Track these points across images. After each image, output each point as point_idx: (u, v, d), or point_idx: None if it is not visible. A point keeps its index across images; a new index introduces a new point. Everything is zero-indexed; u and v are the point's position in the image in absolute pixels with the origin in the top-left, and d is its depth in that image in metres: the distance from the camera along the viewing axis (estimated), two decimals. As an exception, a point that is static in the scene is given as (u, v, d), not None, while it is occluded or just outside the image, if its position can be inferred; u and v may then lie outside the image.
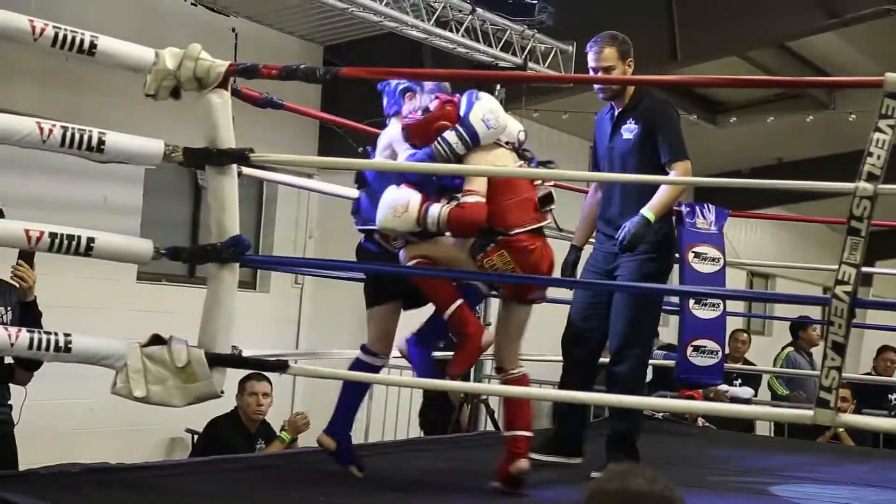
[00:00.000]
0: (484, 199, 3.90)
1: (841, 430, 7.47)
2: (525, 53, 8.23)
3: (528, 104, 8.90)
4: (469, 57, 8.03)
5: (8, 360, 4.31)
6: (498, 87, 8.35)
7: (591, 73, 4.73)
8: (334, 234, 8.01)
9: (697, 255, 6.95)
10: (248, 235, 4.06)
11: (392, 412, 7.58)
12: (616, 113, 4.77)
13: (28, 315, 4.29)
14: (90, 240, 3.49)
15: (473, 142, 3.95)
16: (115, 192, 7.49)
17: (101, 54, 3.53)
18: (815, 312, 9.29)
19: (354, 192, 4.79)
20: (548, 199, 4.15)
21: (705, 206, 7.15)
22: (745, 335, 9.44)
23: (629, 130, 4.69)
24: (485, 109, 3.95)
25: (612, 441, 4.68)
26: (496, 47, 8.06)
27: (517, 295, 4.11)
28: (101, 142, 3.49)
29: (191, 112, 3.74)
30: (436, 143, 3.94)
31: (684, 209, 6.98)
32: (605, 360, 4.88)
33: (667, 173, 4.59)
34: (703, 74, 9.12)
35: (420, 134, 3.98)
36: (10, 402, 4.53)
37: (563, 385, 4.79)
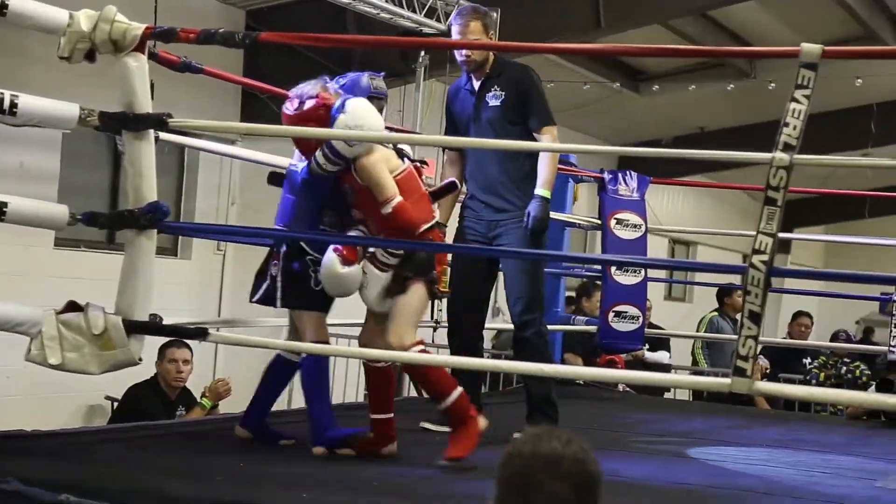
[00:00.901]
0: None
1: (757, 394, 7.61)
2: (449, 20, 8.20)
3: (451, 71, 8.88)
4: (393, 23, 7.99)
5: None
6: (422, 53, 8.35)
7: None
8: (256, 200, 7.94)
9: (619, 221, 7.04)
10: (170, 202, 4.03)
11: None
12: (477, 83, 4.81)
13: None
14: (2, 204, 3.43)
15: (339, 159, 3.90)
16: (32, 157, 7.35)
17: (13, 14, 3.46)
18: (735, 280, 9.43)
19: (277, 160, 4.76)
20: (436, 195, 4.26)
21: (627, 173, 7.23)
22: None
23: (495, 97, 4.75)
24: (348, 123, 3.84)
25: (533, 405, 4.76)
26: (420, 13, 8.03)
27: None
28: (13, 104, 3.42)
29: (110, 76, 3.68)
30: (310, 163, 3.96)
31: (606, 176, 7.05)
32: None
33: (534, 139, 4.69)
34: (626, 42, 9.16)
35: (292, 122, 3.94)
36: None
37: (456, 352, 4.83)
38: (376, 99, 4.17)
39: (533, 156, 4.75)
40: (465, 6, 4.85)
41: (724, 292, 9.34)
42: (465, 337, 4.87)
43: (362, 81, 4.19)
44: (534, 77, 4.83)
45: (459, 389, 4.01)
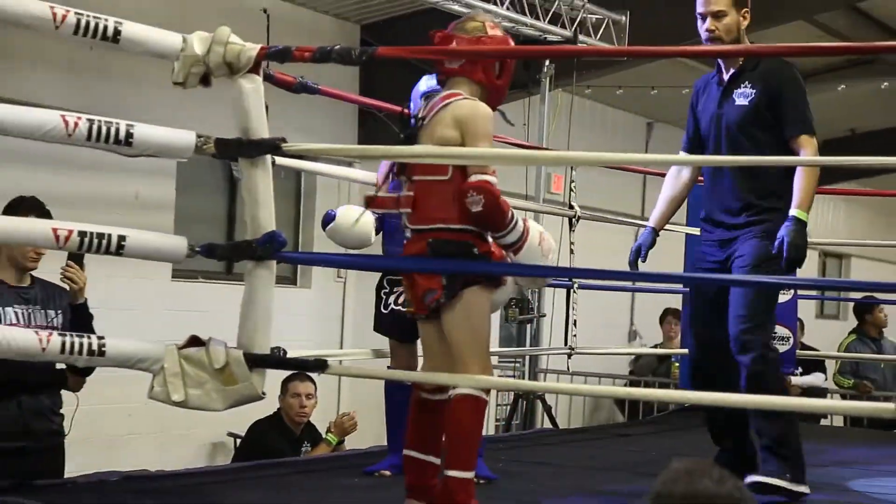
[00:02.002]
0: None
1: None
2: (575, 25, 8.18)
3: (579, 80, 8.86)
4: (515, 31, 7.99)
5: (60, 365, 4.34)
6: (547, 62, 8.33)
7: (699, 19, 4.31)
8: (377, 224, 8.01)
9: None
10: (287, 229, 4.08)
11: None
12: (727, 76, 4.34)
13: (79, 318, 4.37)
14: (121, 238, 3.50)
15: None
16: (147, 187, 7.55)
17: (126, 41, 3.53)
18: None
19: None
20: None
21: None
22: None
23: (744, 95, 4.25)
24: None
25: (764, 449, 4.21)
26: (544, 20, 8.02)
27: None
28: (129, 134, 3.50)
29: (223, 100, 3.75)
30: None
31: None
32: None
33: (789, 150, 4.16)
34: (770, 41, 9.01)
35: None
36: (61, 411, 4.53)
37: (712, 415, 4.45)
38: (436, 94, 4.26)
39: (788, 168, 4.20)
40: None
41: (863, 308, 9.07)
42: (710, 384, 4.19)
43: (423, 83, 4.32)
44: (796, 73, 4.33)
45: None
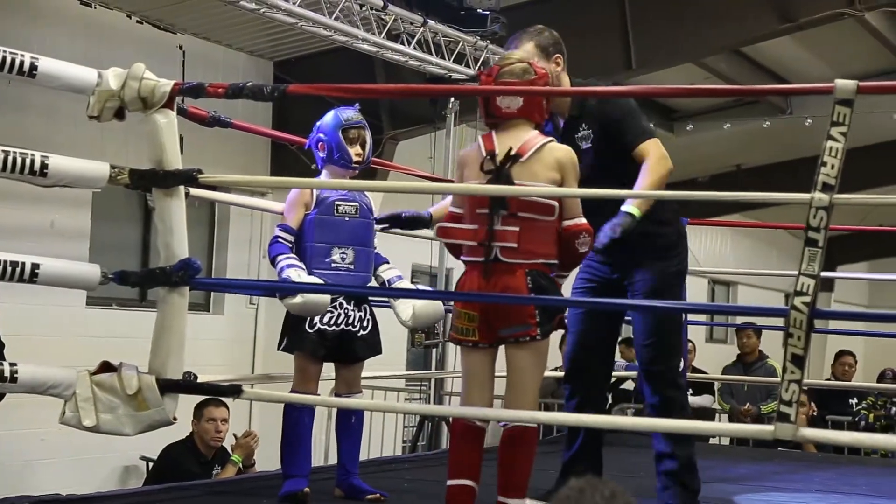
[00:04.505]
0: None
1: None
2: (479, 65, 8.26)
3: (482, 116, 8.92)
4: (422, 70, 8.05)
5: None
6: (452, 99, 8.39)
7: None
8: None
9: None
10: (201, 257, 4.04)
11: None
12: (562, 122, 4.24)
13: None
14: (35, 266, 3.44)
15: None
16: (63, 216, 7.43)
17: (43, 76, 3.49)
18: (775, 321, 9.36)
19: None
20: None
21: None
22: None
23: (585, 138, 4.17)
24: None
25: (671, 473, 4.24)
26: (449, 59, 8.08)
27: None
28: (43, 165, 3.45)
29: (138, 134, 3.72)
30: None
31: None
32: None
33: (635, 161, 4.07)
34: (658, 83, 9.19)
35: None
36: None
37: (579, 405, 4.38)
38: (353, 129, 4.27)
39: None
40: (517, 32, 4.31)
41: (736, 334, 9.32)
42: (584, 382, 4.34)
43: (333, 117, 4.28)
44: (619, 100, 4.23)
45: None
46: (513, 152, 3.60)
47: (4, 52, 3.40)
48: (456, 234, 3.67)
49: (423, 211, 4.24)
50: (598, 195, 3.83)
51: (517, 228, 3.54)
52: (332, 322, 4.17)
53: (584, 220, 3.63)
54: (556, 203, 3.58)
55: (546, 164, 3.60)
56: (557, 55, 4.22)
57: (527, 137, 3.65)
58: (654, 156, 4.06)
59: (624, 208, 3.86)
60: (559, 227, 3.61)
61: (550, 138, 3.73)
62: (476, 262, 3.60)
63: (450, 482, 3.58)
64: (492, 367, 3.67)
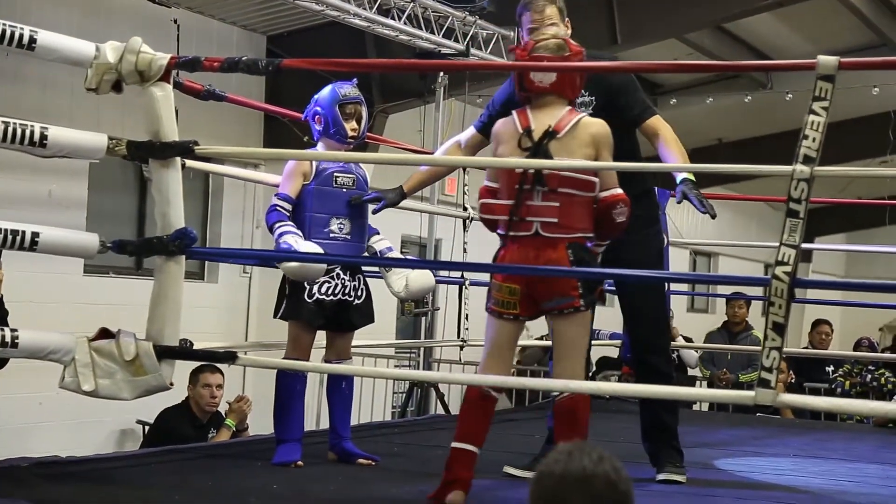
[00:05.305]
0: None
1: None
2: (467, 40, 8.24)
3: (471, 90, 8.92)
4: (411, 44, 8.03)
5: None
6: (441, 74, 8.37)
7: (526, 34, 4.15)
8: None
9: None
10: (195, 227, 4.04)
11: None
12: None
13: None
14: (35, 234, 3.45)
15: None
16: (60, 186, 7.42)
17: (42, 48, 3.49)
18: (758, 290, 9.40)
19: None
20: None
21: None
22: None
23: (585, 106, 4.08)
24: None
25: (664, 439, 4.31)
26: (438, 34, 8.06)
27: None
28: (43, 136, 3.45)
29: (136, 106, 3.71)
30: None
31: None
32: None
33: (629, 133, 4.16)
34: (642, 59, 9.17)
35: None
36: None
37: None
38: (350, 104, 4.25)
39: (634, 155, 4.20)
40: None
41: (726, 303, 9.36)
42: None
43: (331, 92, 4.26)
44: (625, 74, 4.28)
45: None
46: (551, 129, 3.61)
47: (4, 24, 3.39)
48: (496, 210, 3.68)
49: (395, 187, 4.29)
50: (630, 168, 3.85)
51: (557, 204, 3.56)
52: (329, 292, 4.18)
53: (620, 191, 3.64)
54: (595, 178, 3.61)
55: (582, 141, 3.63)
56: (567, 19, 4.23)
57: (561, 114, 3.66)
58: (670, 130, 4.12)
59: (682, 176, 3.92)
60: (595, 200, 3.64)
61: (584, 113, 3.74)
62: (516, 237, 3.61)
63: (454, 444, 3.59)
64: (517, 339, 3.71)
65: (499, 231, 3.68)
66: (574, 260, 3.54)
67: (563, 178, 3.56)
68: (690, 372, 9.09)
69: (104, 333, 3.58)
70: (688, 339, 9.22)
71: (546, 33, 3.84)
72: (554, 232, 3.56)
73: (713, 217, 3.90)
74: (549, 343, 4.20)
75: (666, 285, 4.55)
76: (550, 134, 3.61)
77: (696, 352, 9.03)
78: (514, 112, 3.75)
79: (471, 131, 4.34)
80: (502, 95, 4.31)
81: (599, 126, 3.68)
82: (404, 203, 4.50)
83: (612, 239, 3.73)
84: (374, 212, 4.37)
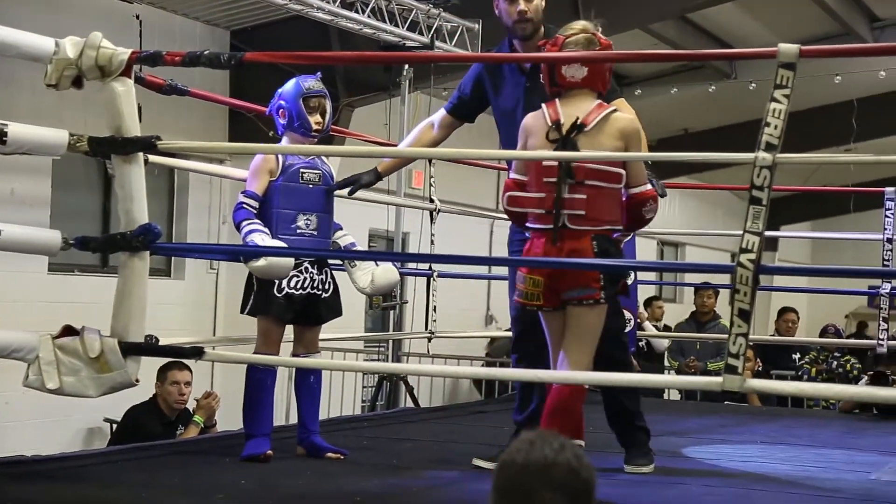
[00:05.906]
0: None
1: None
2: (432, 32, 8.22)
3: (436, 83, 8.91)
4: (376, 37, 8.00)
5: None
6: (406, 66, 8.36)
7: (506, 3, 4.14)
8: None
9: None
10: (161, 223, 4.02)
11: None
12: (529, 65, 4.11)
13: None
14: (-5, 233, 3.42)
15: None
16: (23, 183, 7.35)
17: (0, 45, 3.46)
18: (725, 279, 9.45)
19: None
20: None
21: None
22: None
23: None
24: None
25: (629, 423, 4.31)
26: (403, 27, 8.04)
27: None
28: (2, 133, 3.42)
29: (98, 102, 3.68)
30: None
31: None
32: None
33: None
34: (607, 49, 9.18)
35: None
36: None
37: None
38: (314, 97, 4.24)
39: None
40: None
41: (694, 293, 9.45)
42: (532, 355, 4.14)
43: (294, 85, 4.24)
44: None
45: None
46: (579, 122, 3.64)
47: (-39, 20, 3.35)
48: (523, 203, 3.71)
49: (370, 170, 4.35)
50: (640, 157, 3.85)
51: (585, 196, 3.59)
52: (298, 286, 4.18)
53: (649, 187, 3.73)
54: (623, 171, 3.65)
55: (610, 134, 3.67)
56: None
57: (590, 107, 3.70)
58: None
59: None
60: (624, 195, 3.70)
61: (613, 107, 3.76)
62: (543, 230, 3.63)
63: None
64: (562, 325, 3.72)
65: (528, 224, 3.71)
66: (598, 252, 3.59)
67: (589, 171, 3.60)
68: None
69: (68, 331, 3.56)
70: (657, 325, 9.30)
71: (574, 27, 3.84)
72: (581, 224, 3.60)
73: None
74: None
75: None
76: (578, 127, 3.65)
77: (666, 341, 9.08)
78: (543, 105, 3.78)
79: (442, 113, 4.43)
80: (471, 76, 4.36)
81: (628, 121, 3.74)
82: (371, 196, 4.51)
83: (636, 230, 3.87)
84: (350, 193, 4.40)
